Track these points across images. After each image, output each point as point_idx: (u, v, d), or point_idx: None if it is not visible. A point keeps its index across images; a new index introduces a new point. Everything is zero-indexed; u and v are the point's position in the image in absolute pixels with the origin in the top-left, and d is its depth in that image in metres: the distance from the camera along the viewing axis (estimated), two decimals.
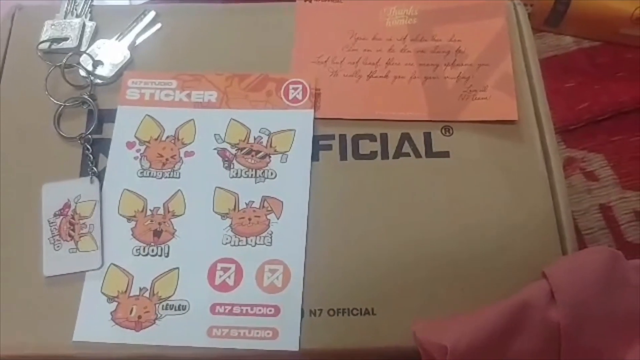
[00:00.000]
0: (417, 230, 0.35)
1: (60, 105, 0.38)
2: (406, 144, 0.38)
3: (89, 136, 0.37)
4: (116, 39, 0.40)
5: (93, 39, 0.41)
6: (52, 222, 0.35)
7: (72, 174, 0.37)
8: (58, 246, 0.35)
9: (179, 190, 0.37)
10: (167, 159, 0.37)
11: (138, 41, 0.41)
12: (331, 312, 0.33)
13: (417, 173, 0.37)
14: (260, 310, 0.34)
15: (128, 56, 0.40)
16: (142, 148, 0.38)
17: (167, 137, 0.38)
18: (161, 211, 0.36)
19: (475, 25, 0.41)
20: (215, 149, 0.38)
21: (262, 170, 0.37)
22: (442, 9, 0.41)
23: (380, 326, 0.33)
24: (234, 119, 0.38)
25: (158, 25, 0.41)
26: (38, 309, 0.34)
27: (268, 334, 0.33)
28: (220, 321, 0.33)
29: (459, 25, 0.41)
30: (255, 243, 0.35)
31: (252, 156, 0.37)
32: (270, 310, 0.34)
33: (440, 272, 0.34)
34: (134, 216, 0.36)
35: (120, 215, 0.36)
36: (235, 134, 0.38)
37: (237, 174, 0.37)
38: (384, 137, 0.38)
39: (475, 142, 0.38)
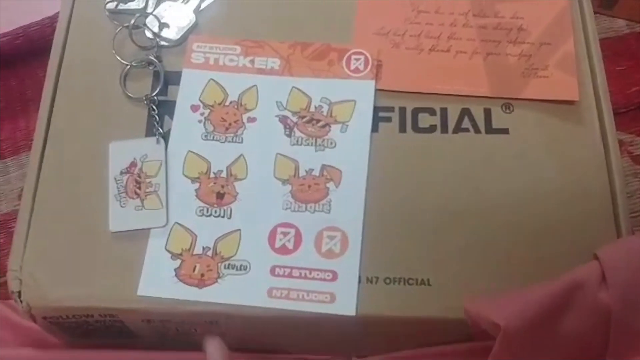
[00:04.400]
0: (474, 204, 0.36)
1: (127, 65, 0.39)
2: (466, 119, 0.38)
3: (155, 97, 0.38)
4: (182, 2, 0.41)
5: (159, 1, 0.41)
6: (118, 180, 0.37)
7: (138, 133, 0.38)
8: (124, 203, 0.36)
9: (241, 154, 0.37)
10: (230, 124, 0.38)
11: (203, 5, 0.41)
12: (387, 281, 0.34)
13: (476, 148, 0.37)
14: (318, 274, 0.35)
15: (194, 19, 0.40)
16: (206, 112, 0.39)
17: (231, 102, 0.39)
18: (224, 174, 0.37)
19: (538, 4, 0.41)
20: (277, 116, 0.38)
21: (322, 139, 0.38)
22: None
23: (435, 297, 0.34)
24: (295, 87, 0.39)
25: None
26: (103, 263, 0.35)
27: (326, 297, 0.34)
28: (280, 283, 0.35)
29: (521, 2, 0.41)
30: (315, 210, 0.36)
31: (313, 125, 0.38)
32: (328, 275, 0.35)
33: (495, 246, 0.35)
34: (198, 178, 0.37)
35: (185, 176, 0.37)
36: (296, 102, 0.39)
37: (297, 141, 0.38)
38: (444, 112, 0.38)
39: (535, 120, 0.38)
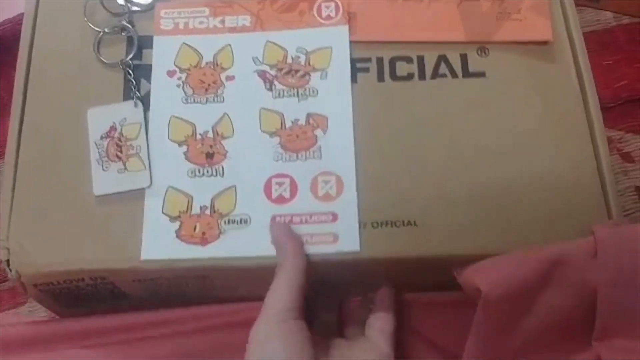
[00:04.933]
0: (456, 147, 0.37)
1: (100, 32, 0.39)
2: (443, 65, 0.39)
3: (130, 62, 0.38)
4: None
5: None
6: (99, 145, 0.36)
7: (115, 98, 0.38)
8: (106, 167, 0.36)
9: (225, 113, 0.37)
10: (209, 85, 0.38)
11: None
12: (374, 225, 0.35)
13: (455, 92, 0.38)
14: (318, 218, 0.35)
15: None
16: (183, 76, 0.38)
17: (206, 63, 0.39)
18: (210, 134, 0.37)
19: None
20: (255, 71, 0.38)
21: (303, 89, 0.38)
22: None
23: (421, 237, 0.35)
24: (269, 41, 0.39)
25: None
26: (90, 227, 0.35)
27: (329, 238, 0.35)
28: None
29: None
30: (306, 157, 0.36)
31: (292, 76, 0.38)
32: (328, 217, 0.35)
33: (479, 188, 0.36)
34: (185, 141, 0.37)
35: (171, 140, 0.37)
36: (272, 55, 0.39)
37: (279, 94, 0.38)
38: (421, 59, 0.39)
39: (510, 62, 0.39)
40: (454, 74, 0.38)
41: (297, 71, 0.38)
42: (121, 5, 0.39)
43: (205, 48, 0.39)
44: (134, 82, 0.37)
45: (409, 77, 0.39)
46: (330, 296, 0.38)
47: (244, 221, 0.35)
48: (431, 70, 0.39)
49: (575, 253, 0.32)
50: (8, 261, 0.34)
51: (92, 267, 0.34)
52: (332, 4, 0.39)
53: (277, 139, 0.37)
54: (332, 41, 0.39)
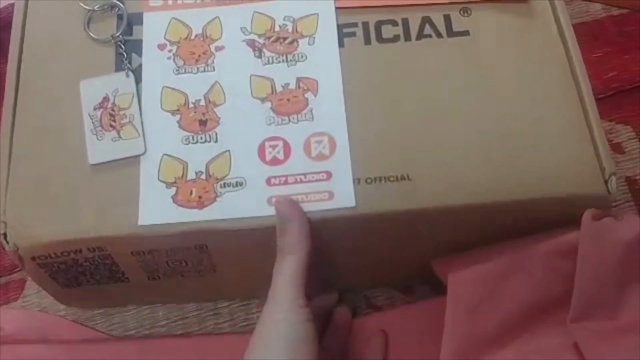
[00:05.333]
0: (444, 102, 0.37)
1: (90, 9, 0.39)
2: (427, 26, 0.39)
3: (121, 36, 0.39)
4: None
5: None
6: (92, 116, 0.37)
7: (107, 72, 0.38)
8: (101, 136, 0.36)
9: (216, 81, 0.38)
10: (199, 55, 0.39)
11: None
12: (369, 180, 0.35)
13: (441, 51, 0.39)
14: (313, 177, 0.36)
15: None
16: (174, 48, 0.39)
17: (196, 35, 0.39)
18: (202, 102, 0.37)
19: None
20: (243, 40, 0.39)
21: (292, 55, 0.39)
22: None
23: (415, 190, 0.35)
24: (257, 11, 0.40)
25: None
26: (87, 196, 0.35)
27: (324, 196, 0.35)
28: (278, 191, 0.35)
29: None
30: (298, 120, 0.37)
31: (280, 43, 0.39)
32: (322, 176, 0.36)
33: (469, 140, 0.36)
34: (178, 110, 0.37)
35: (164, 110, 0.37)
36: (260, 24, 0.39)
37: (268, 61, 0.38)
38: (405, 22, 0.40)
39: (493, 20, 0.39)
40: (438, 34, 0.39)
41: (285, 38, 0.39)
42: None
43: (195, 21, 0.40)
44: (125, 55, 0.38)
45: (395, 38, 0.39)
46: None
47: (239, 184, 0.35)
48: (416, 32, 0.39)
49: (548, 240, 0.34)
50: (5, 234, 0.34)
51: (89, 236, 0.34)
52: None
53: (268, 104, 0.37)
54: (318, 8, 0.39)
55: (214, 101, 0.38)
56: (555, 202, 0.35)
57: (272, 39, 0.39)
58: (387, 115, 0.37)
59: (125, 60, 0.38)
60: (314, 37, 0.39)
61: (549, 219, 0.35)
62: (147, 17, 0.40)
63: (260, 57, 0.39)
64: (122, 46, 0.38)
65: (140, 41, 0.39)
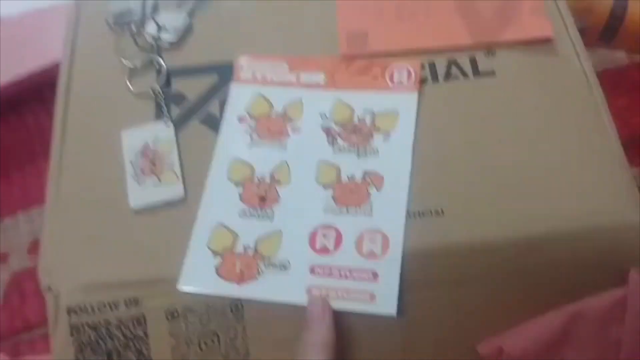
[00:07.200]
0: (475, 141, 0.38)
1: (131, 65, 0.42)
2: (454, 68, 0.41)
3: (160, 88, 0.41)
4: (177, 6, 0.45)
5: (154, 10, 0.45)
6: (134, 162, 0.39)
7: (148, 121, 0.40)
8: (141, 181, 0.38)
9: (285, 161, 0.38)
10: (275, 133, 0.39)
11: (196, 9, 0.45)
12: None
13: (468, 91, 0.40)
14: (359, 274, 0.34)
15: (188, 21, 0.44)
16: (253, 123, 0.40)
17: (276, 113, 0.40)
18: (267, 179, 0.38)
19: None
20: (320, 126, 0.39)
21: (364, 147, 0.38)
22: None
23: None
24: (339, 100, 0.40)
25: None
26: (128, 246, 0.36)
27: (365, 297, 0.34)
28: (319, 281, 0.34)
29: None
30: (356, 212, 0.36)
31: (356, 135, 0.39)
32: (369, 275, 0.34)
33: (496, 175, 0.37)
34: (242, 182, 0.38)
35: (229, 180, 0.38)
36: (340, 113, 0.40)
37: (340, 149, 0.38)
38: (432, 65, 0.41)
39: (517, 61, 0.41)
40: (465, 75, 0.40)
41: (361, 130, 0.39)
42: (150, 42, 0.43)
43: (278, 99, 0.41)
44: (164, 105, 0.41)
45: (423, 81, 0.40)
46: None
47: (283, 266, 0.35)
48: (443, 74, 0.40)
49: (597, 305, 0.33)
50: (49, 286, 0.35)
51: (129, 278, 0.35)
52: (405, 71, 0.40)
53: (330, 192, 0.37)
54: (400, 106, 0.39)
55: (279, 180, 0.38)
56: (588, 235, 0.35)
57: (349, 129, 0.39)
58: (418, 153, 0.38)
59: (165, 110, 0.40)
60: (390, 134, 0.38)
61: (583, 258, 0.35)
62: (234, 87, 0.41)
63: (332, 144, 0.39)
64: (162, 98, 0.41)
65: (178, 93, 0.41)
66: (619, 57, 0.55)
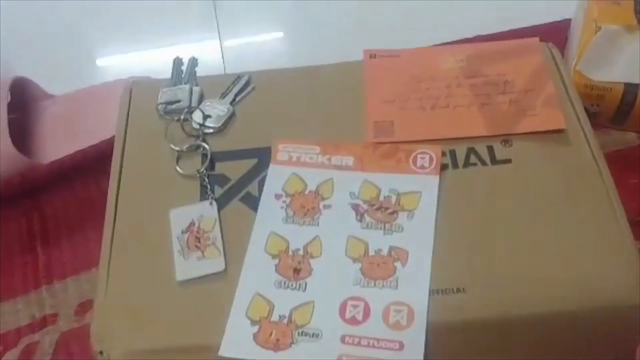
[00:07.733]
0: (494, 224, 0.41)
1: (179, 150, 0.47)
2: (472, 155, 0.45)
3: (205, 171, 0.45)
4: (220, 97, 0.50)
5: (200, 99, 0.50)
6: (180, 238, 0.42)
7: (193, 201, 0.44)
8: (187, 256, 0.42)
9: (317, 236, 0.42)
10: (308, 210, 0.43)
11: (237, 98, 0.50)
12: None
13: (486, 177, 0.43)
14: (386, 344, 0.37)
15: (231, 110, 0.49)
16: (288, 200, 0.44)
17: (309, 191, 0.44)
18: (301, 252, 0.41)
19: (518, 62, 0.49)
20: (349, 204, 0.43)
21: (390, 224, 0.42)
22: (487, 51, 0.50)
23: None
24: (366, 180, 0.44)
25: (252, 86, 0.51)
26: (174, 314, 0.39)
27: None
28: (349, 350, 0.37)
29: (503, 62, 0.49)
30: (383, 286, 0.39)
31: (382, 212, 0.42)
32: (395, 345, 0.37)
33: (515, 255, 0.40)
34: (278, 255, 0.41)
35: (267, 252, 0.42)
36: (367, 192, 0.43)
37: (367, 225, 0.42)
38: (453, 152, 0.45)
39: (532, 149, 0.45)
40: (483, 162, 0.44)
41: (386, 208, 0.43)
42: (196, 128, 0.48)
43: (311, 179, 0.45)
44: (209, 186, 0.45)
45: (444, 167, 0.44)
46: None
47: (316, 335, 0.38)
48: (463, 161, 0.44)
49: None
50: (100, 350, 0.38)
51: (174, 344, 0.38)
52: (427, 156, 0.44)
53: (358, 265, 0.40)
54: (422, 187, 0.43)
55: (311, 253, 0.41)
56: (594, 313, 0.38)
57: (375, 207, 0.43)
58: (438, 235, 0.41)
59: (209, 191, 0.44)
60: (414, 213, 0.42)
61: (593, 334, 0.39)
62: (272, 168, 0.45)
63: (361, 220, 0.42)
64: (206, 179, 0.45)
65: (221, 175, 0.45)
66: (630, 138, 0.58)
